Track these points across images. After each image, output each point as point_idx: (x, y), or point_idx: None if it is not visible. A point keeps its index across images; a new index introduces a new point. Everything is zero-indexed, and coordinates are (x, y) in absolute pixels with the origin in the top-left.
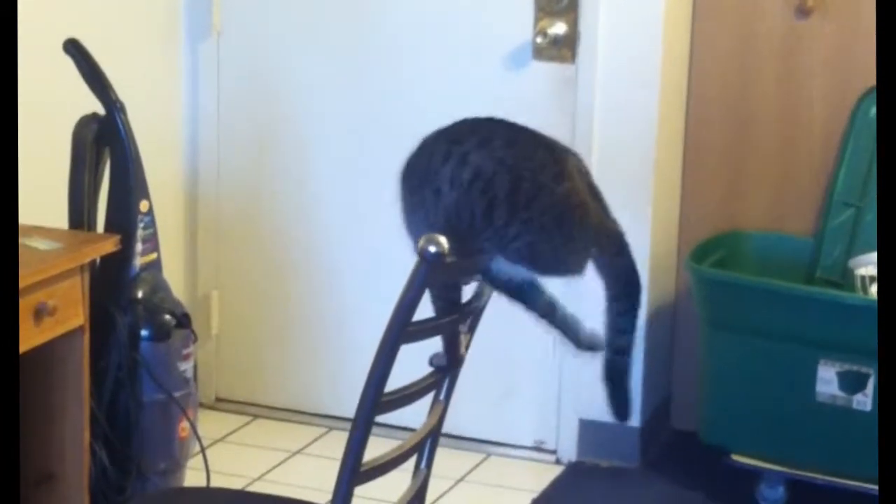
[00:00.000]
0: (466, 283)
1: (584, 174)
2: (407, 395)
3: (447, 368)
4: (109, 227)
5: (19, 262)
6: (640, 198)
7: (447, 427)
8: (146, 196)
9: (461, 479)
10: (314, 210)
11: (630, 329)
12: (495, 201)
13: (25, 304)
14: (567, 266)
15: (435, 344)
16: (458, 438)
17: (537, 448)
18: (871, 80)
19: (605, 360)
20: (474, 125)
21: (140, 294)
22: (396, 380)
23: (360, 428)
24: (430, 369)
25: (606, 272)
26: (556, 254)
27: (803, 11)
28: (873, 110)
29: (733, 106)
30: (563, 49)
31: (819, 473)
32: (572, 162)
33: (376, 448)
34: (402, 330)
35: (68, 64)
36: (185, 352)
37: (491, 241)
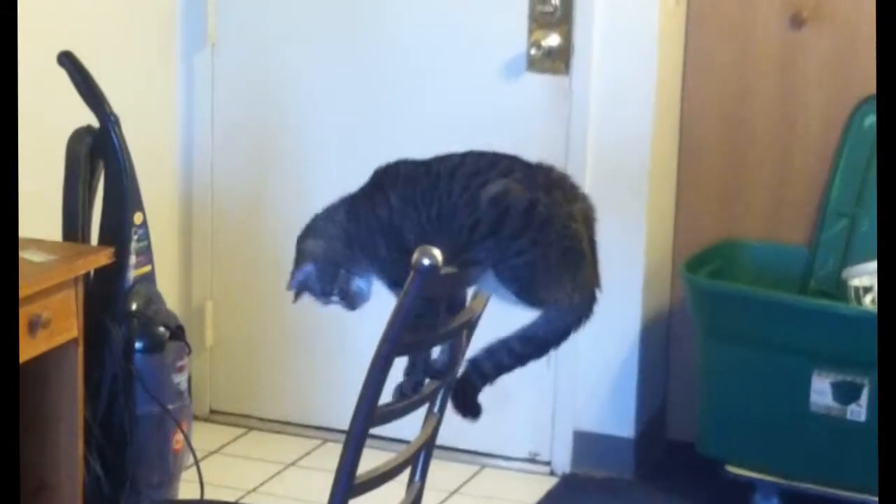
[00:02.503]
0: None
1: (590, 223)
2: (401, 408)
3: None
4: (103, 239)
5: None
6: (634, 208)
7: (441, 439)
8: (140, 208)
9: (455, 491)
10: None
11: (503, 368)
12: (508, 214)
13: (20, 316)
14: (548, 299)
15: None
16: (452, 450)
17: (531, 460)
18: (866, 90)
19: (463, 370)
20: (493, 159)
21: (134, 306)
22: (390, 392)
23: (354, 440)
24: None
25: (550, 320)
26: (548, 284)
27: (798, 22)
28: (868, 120)
29: (728, 116)
30: (556, 61)
31: (813, 484)
32: (581, 208)
33: (370, 460)
34: (396, 342)
35: (62, 76)
36: (179, 364)
37: (490, 251)
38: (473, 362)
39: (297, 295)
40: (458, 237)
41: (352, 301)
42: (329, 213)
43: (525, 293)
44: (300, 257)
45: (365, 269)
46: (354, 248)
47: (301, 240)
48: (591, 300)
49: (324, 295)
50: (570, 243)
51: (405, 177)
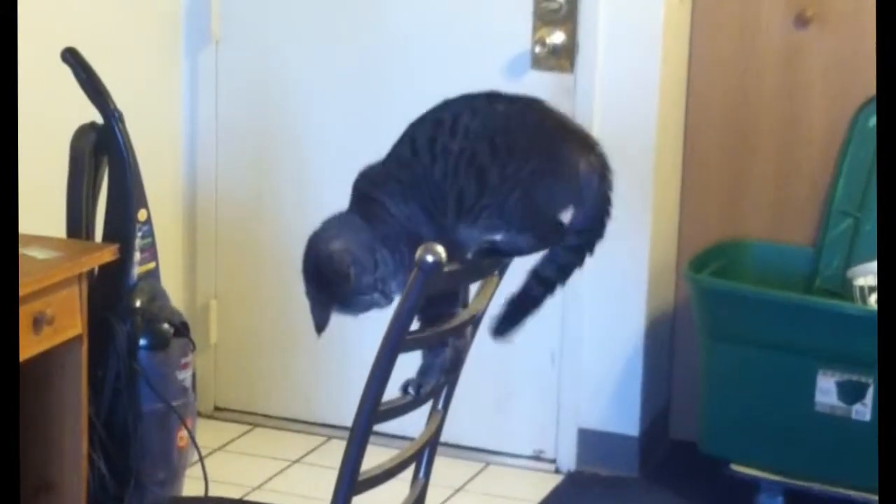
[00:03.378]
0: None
1: (545, 105)
2: (405, 404)
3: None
4: (108, 236)
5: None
6: (639, 207)
7: (446, 436)
8: (144, 205)
9: (460, 489)
10: (313, 219)
11: (566, 266)
12: (483, 169)
13: (23, 314)
14: (567, 197)
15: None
16: (456, 447)
17: (536, 457)
18: (871, 90)
19: (524, 283)
20: (436, 118)
21: (138, 303)
22: (395, 389)
23: (358, 437)
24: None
25: (581, 201)
26: (551, 191)
27: (802, 21)
28: (872, 120)
29: (732, 115)
30: (561, 58)
31: (818, 483)
32: (530, 98)
33: (375, 457)
34: (399, 339)
35: (66, 73)
36: (183, 361)
37: (489, 208)
38: (533, 273)
39: (324, 325)
40: (455, 212)
41: (390, 292)
42: (339, 222)
43: (544, 235)
44: (340, 259)
45: (394, 275)
46: (383, 251)
47: (321, 243)
48: (598, 158)
49: (363, 293)
50: (540, 133)
51: (383, 177)
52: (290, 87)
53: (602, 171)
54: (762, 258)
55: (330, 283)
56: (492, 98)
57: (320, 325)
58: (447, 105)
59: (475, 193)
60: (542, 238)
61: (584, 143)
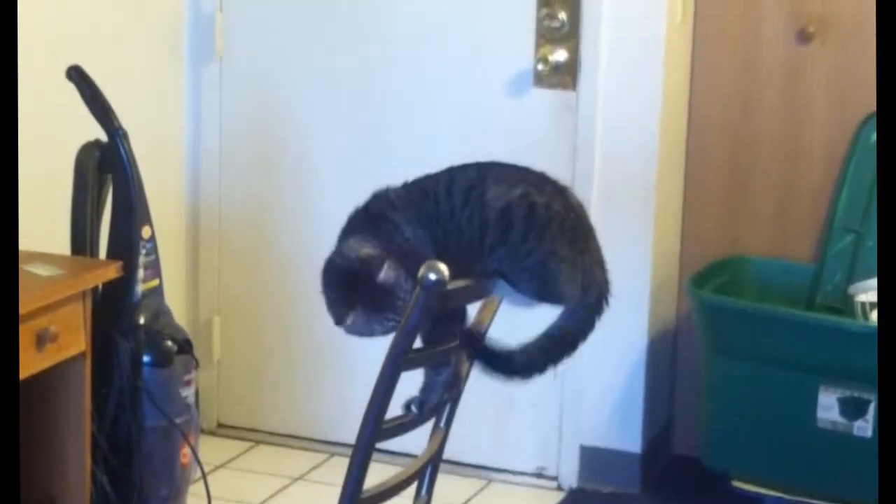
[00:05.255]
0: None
1: (582, 209)
2: (408, 422)
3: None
4: (111, 253)
5: (21, 289)
6: (641, 223)
7: (448, 453)
8: (148, 222)
9: None
10: (316, 235)
11: (537, 370)
12: (511, 222)
13: (27, 331)
14: (569, 290)
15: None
16: (458, 465)
17: (538, 474)
18: (872, 105)
19: (498, 349)
20: (481, 171)
21: (142, 320)
22: (397, 406)
23: (361, 454)
24: None
25: (571, 311)
26: (563, 276)
27: (804, 37)
28: (874, 136)
29: (734, 131)
30: (564, 76)
31: (819, 499)
32: (571, 197)
33: (377, 474)
34: (402, 357)
35: (71, 90)
36: (186, 378)
37: (502, 259)
38: (509, 353)
39: (342, 319)
40: (468, 252)
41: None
42: (361, 238)
43: (546, 290)
44: (371, 260)
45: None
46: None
47: (349, 254)
48: (604, 278)
49: (398, 295)
50: (574, 231)
51: (404, 201)
52: (293, 102)
53: (600, 295)
54: (764, 274)
55: (359, 285)
56: (544, 178)
57: (339, 318)
58: (496, 164)
59: (496, 242)
60: (542, 296)
61: (598, 262)
